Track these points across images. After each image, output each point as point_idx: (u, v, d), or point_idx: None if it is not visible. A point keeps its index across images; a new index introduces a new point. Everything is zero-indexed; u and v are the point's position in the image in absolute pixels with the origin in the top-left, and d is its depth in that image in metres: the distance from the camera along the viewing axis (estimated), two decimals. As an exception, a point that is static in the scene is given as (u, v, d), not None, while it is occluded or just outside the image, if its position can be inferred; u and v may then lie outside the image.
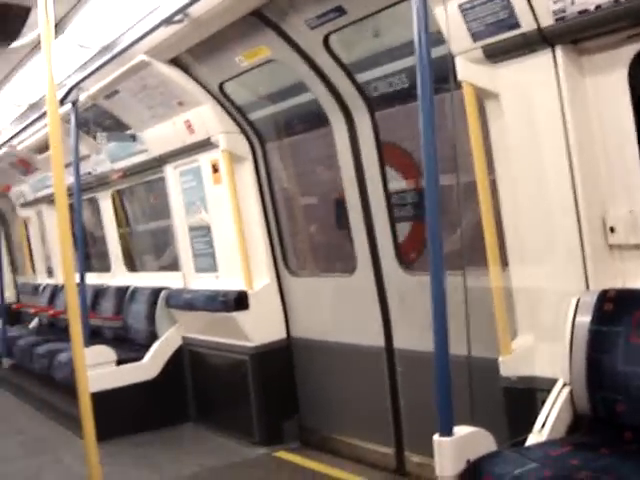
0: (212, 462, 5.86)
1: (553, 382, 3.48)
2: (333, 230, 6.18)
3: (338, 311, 5.61)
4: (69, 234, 4.15)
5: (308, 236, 6.45)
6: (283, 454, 5.90)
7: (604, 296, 3.37)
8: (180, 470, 5.75)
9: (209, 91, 5.88)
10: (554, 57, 3.47)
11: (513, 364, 3.84)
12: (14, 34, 5.36)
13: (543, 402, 3.44)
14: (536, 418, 3.37)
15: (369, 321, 5.22)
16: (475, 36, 3.63)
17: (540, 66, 3.52)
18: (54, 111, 4.16)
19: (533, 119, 3.62)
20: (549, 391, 3.45)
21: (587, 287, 3.54)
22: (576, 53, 3.48)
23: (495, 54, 3.63)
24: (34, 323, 10.63)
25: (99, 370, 6.48)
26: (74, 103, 6.60)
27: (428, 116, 3.13)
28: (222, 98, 5.89)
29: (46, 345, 8.10)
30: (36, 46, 5.79)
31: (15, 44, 5.64)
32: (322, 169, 6.12)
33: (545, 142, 3.60)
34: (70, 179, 6.10)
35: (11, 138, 8.58)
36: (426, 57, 3.13)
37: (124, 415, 6.63)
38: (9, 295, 11.76)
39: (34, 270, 11.90)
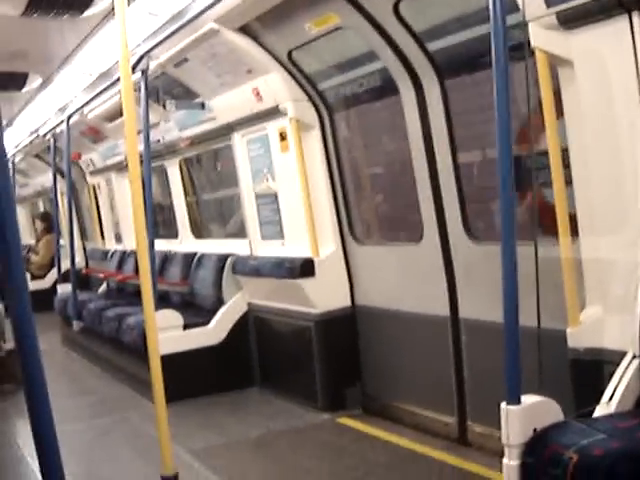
0: (277, 426, 5.98)
1: (622, 354, 3.44)
2: (399, 199, 6.16)
3: (403, 280, 5.62)
4: (141, 200, 4.22)
5: (374, 205, 6.45)
6: (346, 420, 5.97)
7: (677, 268, 3.31)
8: (246, 432, 5.88)
9: (278, 59, 5.90)
10: (631, 23, 3.37)
11: (581, 336, 3.81)
12: (87, 3, 5.43)
13: (611, 374, 3.40)
14: (604, 390, 3.34)
15: (434, 290, 5.22)
16: (549, 2, 3.55)
17: (616, 32, 3.43)
18: (127, 79, 4.23)
19: (608, 87, 3.54)
20: (617, 363, 3.41)
21: (659, 258, 3.48)
22: (654, 19, 3.39)
23: (569, 20, 3.55)
24: (103, 288, 10.88)
25: (167, 334, 6.59)
26: (144, 71, 6.68)
27: (502, 84, 3.10)
28: (291, 66, 5.91)
29: (115, 309, 8.28)
30: (107, 15, 5.86)
31: (87, 13, 5.71)
32: (390, 138, 6.10)
33: (619, 110, 3.52)
34: (140, 147, 6.19)
35: (82, 107, 8.72)
36: (501, 24, 3.09)
37: (190, 378, 6.78)
38: (79, 260, 12.00)
39: (103, 236, 12.14)
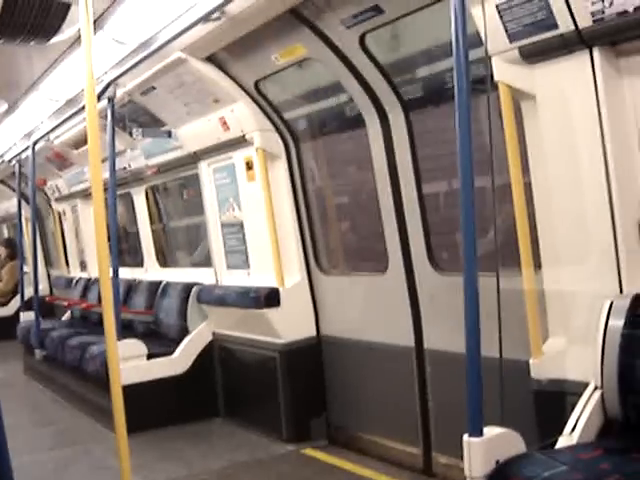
0: (240, 457, 5.90)
1: (584, 386, 3.46)
2: (364, 229, 6.18)
3: (368, 310, 5.61)
4: (104, 228, 4.19)
5: (340, 235, 6.45)
6: (310, 451, 5.92)
7: (638, 300, 3.35)
8: (209, 464, 5.79)
9: (245, 89, 5.92)
10: (592, 58, 3.45)
11: (544, 367, 3.82)
12: (54, 30, 5.42)
13: (573, 406, 3.42)
14: (566, 421, 3.35)
15: (399, 321, 5.22)
16: (512, 37, 3.62)
17: (577, 67, 3.50)
18: (92, 106, 4.20)
19: (569, 121, 3.60)
20: (580, 395, 3.43)
21: (621, 291, 3.52)
22: (614, 55, 3.45)
23: (532, 55, 3.62)
24: (66, 316, 10.74)
25: (130, 363, 6.55)
26: (111, 99, 6.67)
27: (465, 117, 3.13)
28: (257, 96, 5.93)
29: (78, 338, 8.18)
30: (74, 42, 5.86)
31: (54, 40, 5.70)
32: (355, 169, 6.12)
33: (581, 144, 3.58)
34: (105, 174, 6.16)
35: (48, 133, 8.67)
36: (463, 58, 3.13)
37: (154, 409, 6.68)
38: (42, 288, 11.88)
39: (67, 264, 12.02)
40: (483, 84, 3.76)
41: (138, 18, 5.53)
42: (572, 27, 3.38)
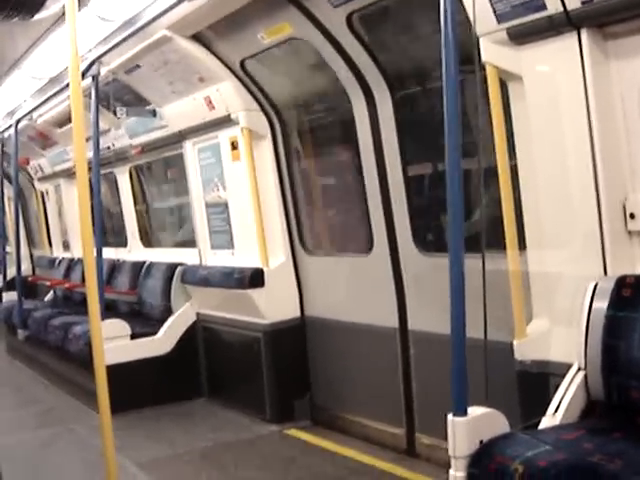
0: (224, 437, 5.92)
1: (567, 367, 3.48)
2: (349, 210, 6.17)
3: (353, 291, 5.62)
4: (88, 208, 4.15)
5: (325, 215, 6.45)
6: (294, 432, 5.94)
7: (622, 282, 3.36)
8: (192, 444, 5.80)
9: (230, 68, 5.88)
10: (579, 40, 3.44)
11: (528, 348, 3.84)
12: (38, 6, 5.35)
13: (557, 387, 3.44)
14: (549, 402, 3.38)
15: (384, 302, 5.23)
16: (500, 18, 3.60)
17: (565, 49, 3.49)
18: (76, 84, 4.14)
19: (556, 102, 3.60)
20: (563, 376, 3.45)
21: (605, 273, 3.53)
22: (602, 37, 3.45)
23: (520, 36, 3.61)
24: (49, 296, 10.70)
25: (114, 343, 6.53)
26: (95, 77, 6.61)
27: (452, 97, 3.12)
28: (243, 75, 5.89)
29: (61, 318, 8.14)
30: (58, 19, 5.79)
31: (38, 16, 5.63)
32: (341, 149, 6.11)
33: (567, 126, 3.58)
34: (89, 154, 6.12)
35: (31, 111, 8.60)
36: (452, 38, 3.12)
37: (137, 389, 6.69)
38: (25, 268, 11.81)
39: (50, 243, 11.96)
40: (471, 65, 3.75)
41: (123, -5, 5.48)
42: (560, 8, 3.37)
